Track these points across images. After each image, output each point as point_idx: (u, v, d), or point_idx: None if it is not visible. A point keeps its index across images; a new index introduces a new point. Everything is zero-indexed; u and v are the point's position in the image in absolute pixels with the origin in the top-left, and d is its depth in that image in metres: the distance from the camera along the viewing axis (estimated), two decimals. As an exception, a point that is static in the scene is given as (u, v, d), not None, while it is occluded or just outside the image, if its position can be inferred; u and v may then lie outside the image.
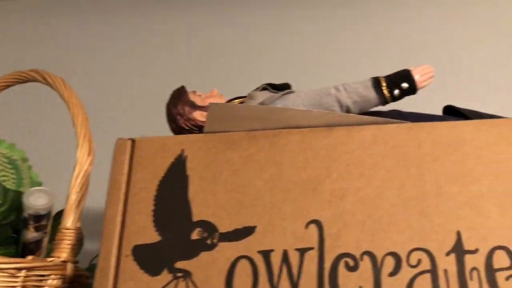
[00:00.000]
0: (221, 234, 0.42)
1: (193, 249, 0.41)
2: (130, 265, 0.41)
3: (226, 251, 0.41)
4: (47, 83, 0.58)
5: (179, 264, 0.41)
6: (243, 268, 0.40)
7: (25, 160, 0.57)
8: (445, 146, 0.43)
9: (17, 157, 0.55)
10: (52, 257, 0.50)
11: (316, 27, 0.94)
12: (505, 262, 0.38)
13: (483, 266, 0.38)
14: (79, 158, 0.55)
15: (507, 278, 0.38)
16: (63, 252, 0.50)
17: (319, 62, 0.90)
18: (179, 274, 0.41)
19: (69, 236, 0.51)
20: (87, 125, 0.57)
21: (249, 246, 0.41)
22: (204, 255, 0.41)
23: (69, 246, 0.51)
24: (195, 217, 0.43)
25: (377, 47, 0.91)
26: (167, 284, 0.40)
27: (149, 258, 0.41)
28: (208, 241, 0.42)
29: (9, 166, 0.52)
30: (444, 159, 0.42)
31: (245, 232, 0.42)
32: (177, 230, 0.42)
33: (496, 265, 0.38)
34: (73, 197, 0.53)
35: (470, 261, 0.39)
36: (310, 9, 0.97)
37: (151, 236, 0.42)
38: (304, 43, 0.92)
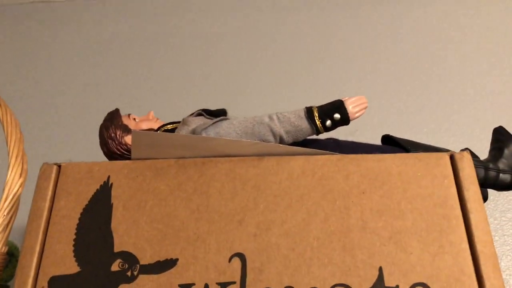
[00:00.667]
0: (142, 266, 0.41)
1: (113, 281, 0.40)
2: (44, 298, 0.40)
3: (146, 284, 0.40)
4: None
5: (97, 298, 0.40)
6: (162, 303, 0.39)
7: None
8: (372, 179, 0.43)
9: None
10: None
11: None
12: (423, 300, 0.38)
13: (401, 303, 0.38)
14: (9, 180, 0.53)
15: (425, 317, 0.38)
16: (-16, 280, 0.49)
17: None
18: (95, 309, 0.39)
19: (-7, 261, 0.50)
20: (21, 145, 0.55)
21: (170, 279, 0.40)
22: (123, 288, 0.40)
23: (-9, 273, 0.49)
24: (117, 248, 0.42)
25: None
26: (81, 320, 0.39)
27: (65, 291, 0.40)
28: (128, 273, 0.40)
29: None
30: (371, 193, 0.42)
31: (167, 264, 0.41)
32: (98, 261, 0.41)
33: (414, 302, 0.38)
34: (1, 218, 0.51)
35: (389, 298, 0.39)
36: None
37: (70, 267, 0.41)
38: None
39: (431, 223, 0.41)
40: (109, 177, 0.45)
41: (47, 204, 0.44)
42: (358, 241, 0.41)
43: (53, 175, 0.45)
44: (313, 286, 0.39)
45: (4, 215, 0.52)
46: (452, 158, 0.43)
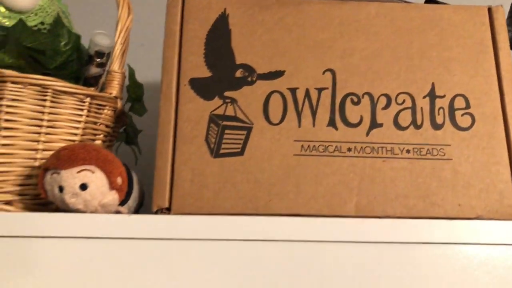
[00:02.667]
0: (259, 74, 0.54)
1: (237, 84, 0.54)
2: (188, 92, 0.53)
3: (263, 86, 0.54)
4: None
5: (227, 93, 0.53)
6: (276, 99, 0.53)
7: (68, 13, 0.65)
8: (429, 21, 0.57)
9: (64, 9, 0.63)
10: (107, 92, 0.60)
11: None
12: (462, 104, 0.54)
13: (447, 106, 0.54)
14: (121, 17, 0.64)
15: (462, 115, 0.54)
16: (114, 89, 0.61)
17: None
18: (228, 100, 0.53)
19: (117, 77, 0.62)
20: (126, -11, 0.65)
21: (280, 84, 0.54)
22: (246, 89, 0.54)
23: (117, 85, 0.62)
24: (238, 61, 0.55)
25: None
26: (218, 107, 0.53)
27: (203, 88, 0.53)
28: (249, 79, 0.54)
29: (63, 15, 0.60)
30: (428, 31, 0.56)
31: (277, 74, 0.54)
32: (224, 69, 0.54)
33: (456, 106, 0.54)
34: (119, 47, 0.63)
35: (439, 102, 0.54)
36: None
37: (204, 72, 0.54)
38: None
39: (470, 55, 0.56)
40: (225, 9, 0.56)
41: (177, 27, 0.55)
42: (418, 65, 0.55)
43: (179, 4, 0.56)
44: (385, 92, 0.54)
45: (121, 43, 0.63)
46: (489, 10, 0.57)
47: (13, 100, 0.52)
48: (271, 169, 0.51)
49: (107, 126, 0.62)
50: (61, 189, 0.47)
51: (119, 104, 0.62)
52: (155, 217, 0.48)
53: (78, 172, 0.46)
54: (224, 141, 0.52)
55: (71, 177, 0.46)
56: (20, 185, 0.53)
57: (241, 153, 0.52)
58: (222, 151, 0.52)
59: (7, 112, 0.53)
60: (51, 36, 0.53)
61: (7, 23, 0.51)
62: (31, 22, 0.52)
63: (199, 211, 0.49)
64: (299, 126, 0.53)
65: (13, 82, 0.52)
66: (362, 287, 0.46)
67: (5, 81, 0.52)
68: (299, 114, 0.53)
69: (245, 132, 0.52)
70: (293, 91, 0.54)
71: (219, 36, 0.55)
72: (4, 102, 0.52)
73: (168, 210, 0.50)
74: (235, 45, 0.55)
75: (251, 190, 0.50)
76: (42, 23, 0.54)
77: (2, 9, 0.51)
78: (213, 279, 0.46)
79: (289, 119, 0.53)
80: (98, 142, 0.61)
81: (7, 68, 0.52)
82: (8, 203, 0.53)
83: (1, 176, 0.52)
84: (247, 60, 0.55)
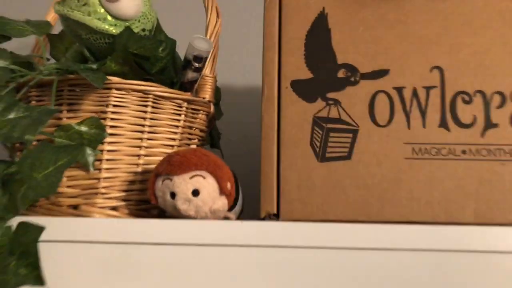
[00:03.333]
0: (362, 74, 0.52)
1: (340, 84, 0.52)
2: (290, 94, 0.52)
3: (367, 86, 0.52)
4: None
5: (330, 95, 0.52)
6: (382, 99, 0.51)
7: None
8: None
9: (156, 16, 0.63)
10: (200, 97, 0.60)
11: None
12: None
13: None
14: (210, 21, 0.63)
15: None
16: (207, 94, 0.61)
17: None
18: (331, 102, 0.52)
19: (210, 81, 0.62)
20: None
21: (385, 84, 0.52)
22: (349, 89, 0.52)
23: (210, 90, 0.61)
24: (339, 61, 0.53)
25: None
26: (322, 109, 0.51)
27: (305, 90, 0.52)
28: (352, 79, 0.52)
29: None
30: (542, 23, 0.52)
31: (381, 73, 0.52)
32: (326, 70, 0.53)
33: None
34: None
35: (559, 99, 0.50)
36: None
37: (305, 73, 0.53)
38: None
39: None
40: (324, 8, 0.55)
41: (276, 29, 0.54)
42: (533, 59, 0.51)
43: (277, 6, 0.55)
44: (498, 90, 0.51)
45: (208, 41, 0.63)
46: None
47: (117, 106, 0.53)
48: (381, 173, 0.49)
49: (201, 130, 0.61)
50: (173, 195, 0.47)
51: (212, 108, 0.62)
52: (265, 223, 0.47)
53: (191, 178, 0.46)
54: (329, 144, 0.51)
55: (183, 183, 0.46)
56: (124, 190, 0.54)
57: (348, 157, 0.50)
58: (328, 155, 0.50)
59: (112, 119, 0.53)
60: (156, 41, 0.53)
61: (114, 30, 0.51)
62: (135, 29, 0.53)
63: (308, 218, 0.48)
64: (409, 127, 0.50)
65: (117, 89, 0.53)
66: (487, 298, 0.44)
67: (110, 88, 0.53)
68: (407, 115, 0.51)
69: (351, 135, 0.51)
70: (399, 90, 0.52)
71: (319, 36, 0.54)
72: (110, 109, 0.53)
73: (276, 216, 0.49)
74: (336, 44, 0.53)
75: (362, 196, 0.48)
76: (143, 29, 0.54)
77: (109, 17, 0.51)
78: (322, 282, 0.45)
79: (397, 120, 0.50)
80: (193, 146, 0.61)
81: (112, 75, 0.52)
82: (114, 208, 0.53)
83: (107, 182, 0.53)
84: (349, 60, 0.53)
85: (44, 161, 0.40)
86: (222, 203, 0.48)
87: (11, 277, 0.37)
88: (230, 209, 0.49)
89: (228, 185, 0.48)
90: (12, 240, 0.39)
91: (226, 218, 0.49)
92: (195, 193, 0.46)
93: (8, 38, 0.49)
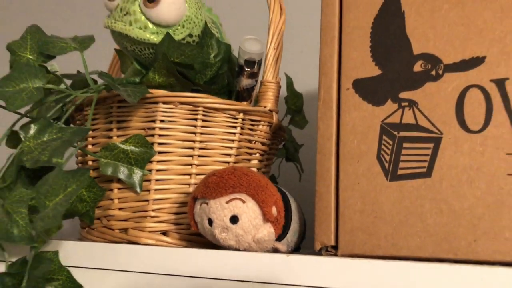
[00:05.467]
0: (446, 65, 0.40)
1: (417, 80, 0.41)
2: (351, 97, 0.43)
3: (454, 81, 0.40)
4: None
5: (403, 95, 0.41)
6: (474, 96, 0.39)
7: (220, 24, 0.60)
8: None
9: (215, 19, 0.58)
10: (261, 106, 0.54)
11: None
12: None
13: None
14: (272, 18, 0.56)
15: None
16: (268, 102, 0.54)
17: None
18: (405, 103, 0.41)
19: (272, 88, 0.54)
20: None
21: (479, 75, 0.39)
22: (429, 86, 0.41)
23: (272, 97, 0.54)
24: (416, 51, 0.42)
25: None
26: (393, 113, 0.41)
27: (371, 90, 0.42)
28: (433, 73, 0.41)
29: (213, 25, 0.56)
30: None
31: (473, 62, 0.40)
32: (398, 63, 0.42)
33: None
34: (272, 53, 0.55)
35: None
36: None
37: (371, 70, 0.43)
38: None
39: None
40: (395, -13, 0.44)
41: (336, 19, 0.45)
42: None
43: (337, -8, 0.46)
44: None
45: (275, 49, 0.56)
46: None
47: (165, 121, 0.49)
48: (473, 194, 0.37)
49: (263, 143, 0.55)
50: (210, 222, 0.41)
51: (275, 118, 0.55)
52: (318, 259, 0.38)
53: (227, 202, 0.39)
54: (402, 158, 0.40)
55: (220, 208, 0.40)
56: (175, 213, 0.50)
57: (428, 173, 0.39)
58: (400, 171, 0.39)
59: (160, 135, 0.49)
60: (198, 47, 0.48)
61: (155, 39, 0.48)
62: (179, 35, 0.48)
63: (374, 252, 0.38)
64: (514, 132, 0.37)
65: (164, 103, 0.49)
66: None
67: (157, 102, 0.49)
68: (510, 116, 0.38)
69: (432, 145, 0.39)
70: (500, 83, 0.39)
71: (389, 22, 0.43)
72: (157, 125, 0.49)
73: (334, 249, 0.40)
74: (412, 30, 0.42)
75: (446, 225, 0.37)
76: (190, 35, 0.50)
77: (150, 25, 0.48)
78: None
79: (496, 123, 0.38)
80: (255, 161, 0.54)
81: (158, 88, 0.48)
82: (164, 233, 0.49)
83: (157, 204, 0.49)
84: (429, 48, 0.41)
85: (56, 187, 0.37)
86: (267, 231, 0.40)
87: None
88: (279, 238, 0.42)
89: (274, 210, 0.40)
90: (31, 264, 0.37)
91: (275, 249, 0.41)
92: (234, 220, 0.39)
93: (52, 56, 0.48)
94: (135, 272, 0.44)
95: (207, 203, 0.40)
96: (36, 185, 0.38)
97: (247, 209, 0.39)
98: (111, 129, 0.51)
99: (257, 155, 0.54)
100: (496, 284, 0.33)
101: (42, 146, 0.40)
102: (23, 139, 0.40)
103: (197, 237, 0.50)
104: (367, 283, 0.36)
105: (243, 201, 0.40)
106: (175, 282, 0.41)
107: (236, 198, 0.39)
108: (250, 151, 0.54)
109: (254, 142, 0.54)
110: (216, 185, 0.40)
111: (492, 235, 0.35)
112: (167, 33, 0.47)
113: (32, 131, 0.41)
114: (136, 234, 0.49)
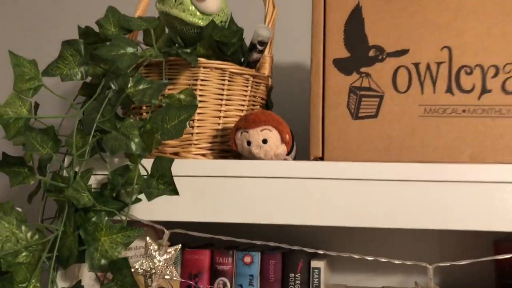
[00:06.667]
0: (388, 53, 0.69)
1: (371, 61, 0.69)
2: (332, 69, 0.69)
3: (391, 62, 0.68)
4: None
5: (363, 69, 0.69)
6: (402, 72, 0.68)
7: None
8: (534, 2, 0.67)
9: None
10: (261, 73, 0.78)
11: None
12: None
13: (549, 73, 0.65)
14: (268, 10, 0.81)
15: None
16: (266, 70, 0.79)
17: None
18: (363, 75, 0.69)
19: (268, 60, 0.79)
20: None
21: (405, 60, 0.68)
22: (377, 65, 0.69)
23: (268, 67, 0.79)
24: (370, 43, 0.69)
25: None
26: (356, 80, 0.69)
27: (344, 66, 0.69)
28: (380, 57, 0.69)
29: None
30: (532, 10, 0.67)
31: (403, 52, 0.68)
32: (360, 50, 0.69)
33: (557, 73, 0.65)
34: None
35: (542, 70, 0.65)
36: None
37: (344, 53, 0.70)
38: None
39: None
40: (359, 1, 0.71)
41: (321, 17, 0.71)
42: (523, 39, 0.66)
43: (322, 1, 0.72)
44: (493, 64, 0.66)
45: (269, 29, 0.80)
46: None
47: (204, 80, 0.72)
48: (400, 128, 0.66)
49: (262, 98, 0.80)
50: (249, 143, 0.66)
51: (270, 81, 0.80)
52: (314, 163, 0.65)
53: (261, 130, 0.65)
54: (361, 107, 0.68)
55: (256, 134, 0.65)
56: (210, 142, 0.74)
57: (375, 116, 0.67)
58: (360, 114, 0.68)
59: (200, 89, 0.72)
60: (229, 31, 0.72)
61: (201, 23, 0.70)
62: (216, 21, 0.71)
63: (345, 160, 0.66)
64: (422, 93, 0.67)
65: (204, 67, 0.72)
66: (475, 212, 0.61)
67: (199, 67, 0.71)
68: (421, 84, 0.67)
69: (378, 100, 0.68)
70: (416, 65, 0.68)
71: (355, 24, 0.70)
72: (198, 82, 0.72)
73: (321, 159, 0.67)
74: (368, 30, 0.70)
75: (385, 145, 0.66)
76: (221, 21, 0.73)
77: (198, 13, 0.70)
78: (359, 206, 0.63)
79: (413, 88, 0.67)
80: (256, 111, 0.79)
81: (200, 57, 0.71)
82: (203, 155, 0.73)
83: (197, 136, 0.73)
84: (378, 42, 0.69)
85: (171, 116, 0.59)
86: (282, 149, 0.66)
87: (155, 190, 0.58)
88: (288, 153, 0.68)
89: (287, 136, 0.66)
90: (152, 167, 0.59)
91: (285, 159, 0.67)
92: (264, 141, 0.65)
93: (130, 31, 0.68)
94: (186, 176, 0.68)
95: (247, 132, 0.65)
96: (149, 117, 0.59)
97: (273, 135, 0.65)
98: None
99: (258, 106, 0.80)
100: (411, 172, 0.62)
101: (141, 92, 0.61)
102: (127, 88, 0.61)
103: (223, 158, 0.75)
104: (340, 174, 0.64)
105: (270, 130, 0.65)
106: (228, 181, 0.65)
107: (266, 129, 0.65)
108: (254, 103, 0.79)
109: (257, 97, 0.79)
110: (253, 120, 0.65)
111: (409, 149, 0.65)
112: (212, 20, 0.69)
113: (131, 83, 0.62)
114: (185, 155, 0.72)
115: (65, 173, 0.63)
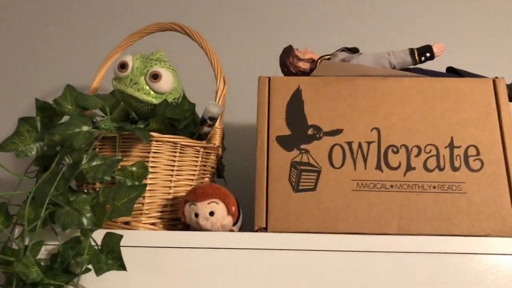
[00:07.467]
0: (324, 132, 0.76)
1: (309, 139, 0.76)
2: (275, 146, 0.76)
3: (327, 141, 0.76)
4: (186, 34, 0.89)
5: (302, 146, 0.76)
6: (337, 150, 0.75)
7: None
8: (447, 91, 0.77)
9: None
10: (212, 143, 0.84)
11: None
12: (474, 152, 0.74)
13: (462, 154, 0.74)
14: (219, 86, 0.88)
15: (474, 160, 0.74)
16: (217, 140, 0.85)
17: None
18: (303, 151, 0.75)
19: (218, 132, 0.85)
20: (220, 65, 0.89)
21: (340, 139, 0.76)
22: (315, 143, 0.76)
23: (219, 137, 0.85)
24: (309, 123, 0.77)
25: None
26: (296, 156, 0.75)
27: (286, 142, 0.76)
28: (317, 135, 0.76)
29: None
30: (447, 98, 0.77)
31: (337, 132, 0.76)
32: (300, 129, 0.77)
33: (469, 154, 0.74)
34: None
35: (456, 151, 0.74)
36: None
37: (285, 131, 0.77)
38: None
39: (480, 116, 0.76)
40: (299, 85, 0.79)
41: (266, 99, 0.79)
42: (440, 123, 0.76)
43: (267, 83, 0.79)
44: (416, 144, 0.75)
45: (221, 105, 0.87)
46: (494, 81, 0.78)
47: (156, 153, 0.77)
48: (336, 200, 0.72)
49: (212, 167, 0.85)
50: (196, 215, 0.70)
51: (220, 151, 0.86)
52: (258, 234, 0.70)
53: (208, 203, 0.69)
54: (301, 180, 0.74)
55: (203, 207, 0.69)
56: (159, 211, 0.77)
57: (314, 189, 0.74)
58: (300, 187, 0.74)
59: (152, 161, 0.77)
60: (180, 107, 0.77)
61: (155, 101, 0.75)
62: (169, 99, 0.77)
63: (287, 230, 0.72)
64: (355, 169, 0.74)
65: (156, 141, 0.77)
66: (404, 281, 0.67)
67: (152, 140, 0.76)
68: (354, 161, 0.75)
69: (316, 174, 0.74)
70: (349, 144, 0.76)
71: (295, 105, 0.78)
72: (151, 155, 0.76)
73: (265, 229, 0.72)
74: (307, 111, 0.78)
75: (323, 215, 0.72)
76: (174, 98, 0.78)
77: (152, 92, 0.75)
78: (299, 275, 0.68)
79: (347, 164, 0.74)
80: (207, 179, 0.84)
81: (153, 131, 0.76)
82: (153, 224, 0.76)
83: (148, 205, 0.76)
84: (316, 122, 0.77)
85: (122, 194, 0.63)
86: (229, 220, 0.71)
87: (104, 265, 0.60)
88: (234, 223, 0.73)
89: (233, 208, 0.71)
90: (102, 242, 0.62)
91: (231, 230, 0.72)
92: (211, 213, 0.69)
93: (86, 109, 0.72)
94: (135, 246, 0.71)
95: (195, 204, 0.70)
96: (100, 193, 0.63)
97: (219, 208, 0.70)
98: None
99: (208, 174, 0.85)
100: (345, 243, 0.68)
101: (95, 169, 0.65)
102: (81, 164, 0.64)
103: (174, 227, 0.78)
104: (283, 245, 0.69)
105: (217, 203, 0.70)
106: (172, 252, 0.68)
107: (213, 201, 0.69)
108: (205, 172, 0.84)
109: (207, 166, 0.84)
110: (201, 194, 0.70)
111: (344, 220, 0.71)
112: (165, 99, 0.75)
113: (85, 160, 0.65)
114: (135, 225, 0.75)
115: (14, 245, 0.65)
